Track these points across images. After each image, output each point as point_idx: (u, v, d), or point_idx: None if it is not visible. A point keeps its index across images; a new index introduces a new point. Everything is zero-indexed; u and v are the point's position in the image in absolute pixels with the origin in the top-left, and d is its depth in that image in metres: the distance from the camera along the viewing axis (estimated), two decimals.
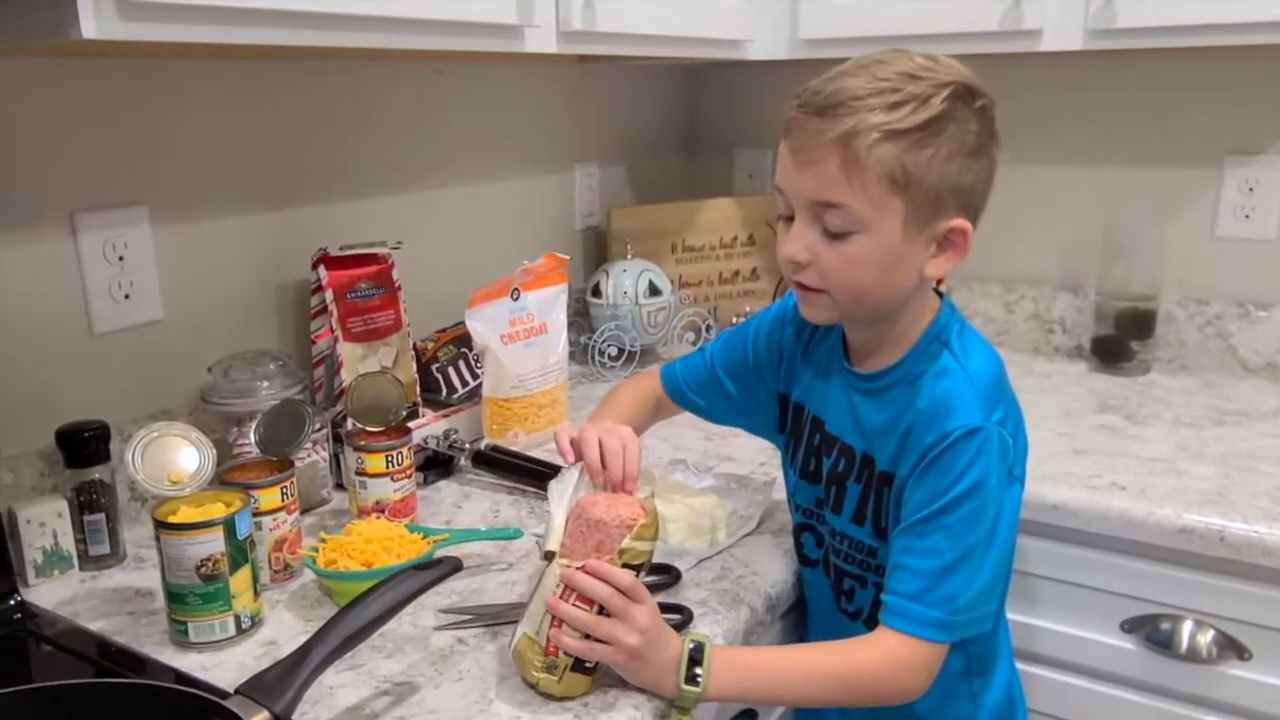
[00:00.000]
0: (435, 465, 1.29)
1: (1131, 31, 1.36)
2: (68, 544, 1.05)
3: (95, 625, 0.96)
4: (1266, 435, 1.37)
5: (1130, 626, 1.19)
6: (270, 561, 1.01)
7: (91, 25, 0.77)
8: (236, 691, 0.74)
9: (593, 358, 1.67)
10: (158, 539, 0.90)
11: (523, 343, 1.37)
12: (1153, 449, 1.33)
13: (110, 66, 1.13)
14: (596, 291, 1.74)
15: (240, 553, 0.91)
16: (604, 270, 1.75)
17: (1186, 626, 1.15)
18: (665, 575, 1.01)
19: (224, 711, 0.72)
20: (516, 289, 1.37)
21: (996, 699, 1.01)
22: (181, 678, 0.86)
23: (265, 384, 1.16)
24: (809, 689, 0.88)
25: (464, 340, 1.42)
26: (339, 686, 0.85)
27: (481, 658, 0.90)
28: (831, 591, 1.02)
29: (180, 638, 0.91)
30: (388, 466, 1.11)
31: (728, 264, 1.94)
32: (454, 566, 0.87)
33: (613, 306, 1.71)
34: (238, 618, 0.92)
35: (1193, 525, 1.13)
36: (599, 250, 1.93)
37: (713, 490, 1.18)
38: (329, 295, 1.27)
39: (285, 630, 0.94)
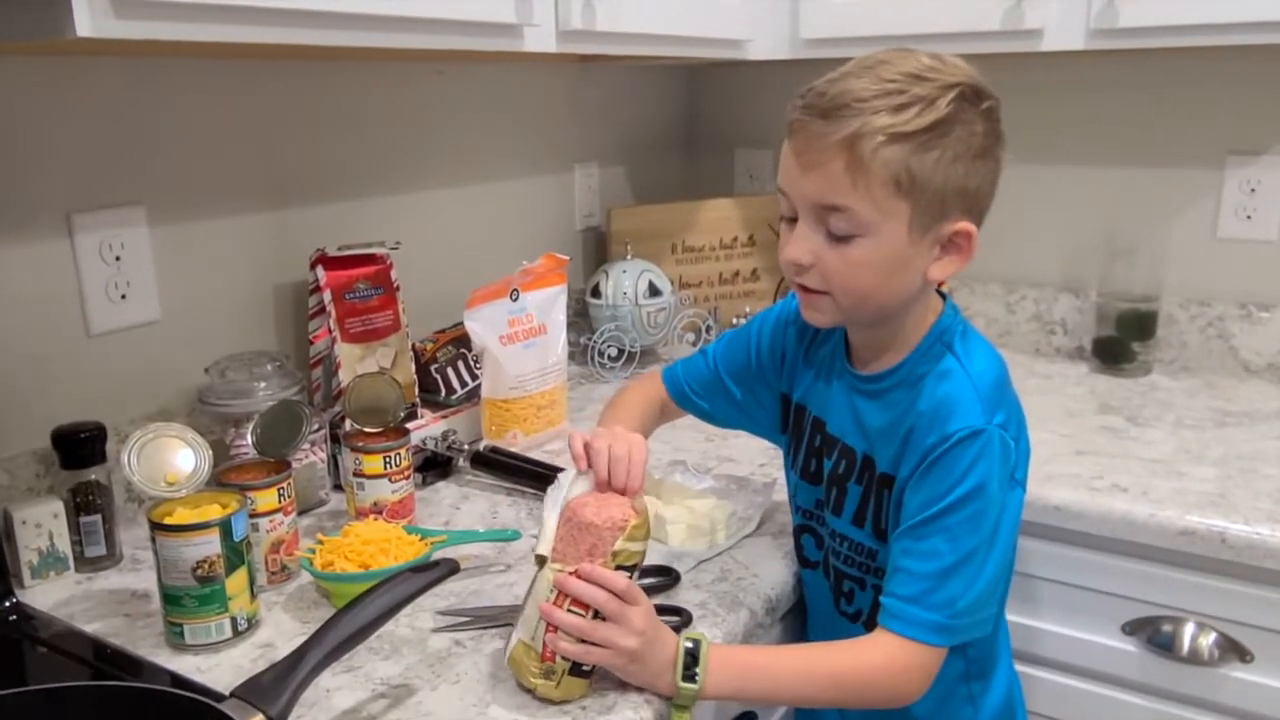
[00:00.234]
0: (433, 466, 1.29)
1: (1133, 31, 1.36)
2: (63, 545, 1.05)
3: (91, 627, 0.96)
4: (1268, 437, 1.37)
5: (1131, 628, 1.18)
6: (267, 563, 1.01)
7: (86, 23, 0.76)
8: (232, 694, 0.73)
9: (592, 359, 1.66)
10: (153, 540, 0.89)
11: (522, 343, 1.37)
12: (1154, 450, 1.32)
13: (107, 65, 1.12)
14: (596, 292, 1.74)
15: (237, 554, 0.91)
16: (604, 271, 1.75)
17: (1188, 628, 1.15)
18: (664, 577, 1.01)
19: (219, 715, 0.71)
20: (516, 289, 1.37)
21: (996, 703, 1.00)
22: (177, 680, 0.85)
23: (263, 385, 1.16)
24: (806, 689, 0.88)
25: (463, 341, 1.42)
26: (336, 689, 0.85)
27: (479, 660, 0.89)
28: (831, 593, 1.01)
29: (176, 640, 0.91)
30: (386, 468, 1.10)
31: (728, 265, 1.93)
32: (451, 568, 0.87)
33: (612, 307, 1.70)
34: (234, 620, 0.91)
35: (1194, 527, 1.12)
36: (599, 251, 1.92)
37: (712, 492, 1.18)
38: (327, 296, 1.27)
39: (282, 632, 0.94)
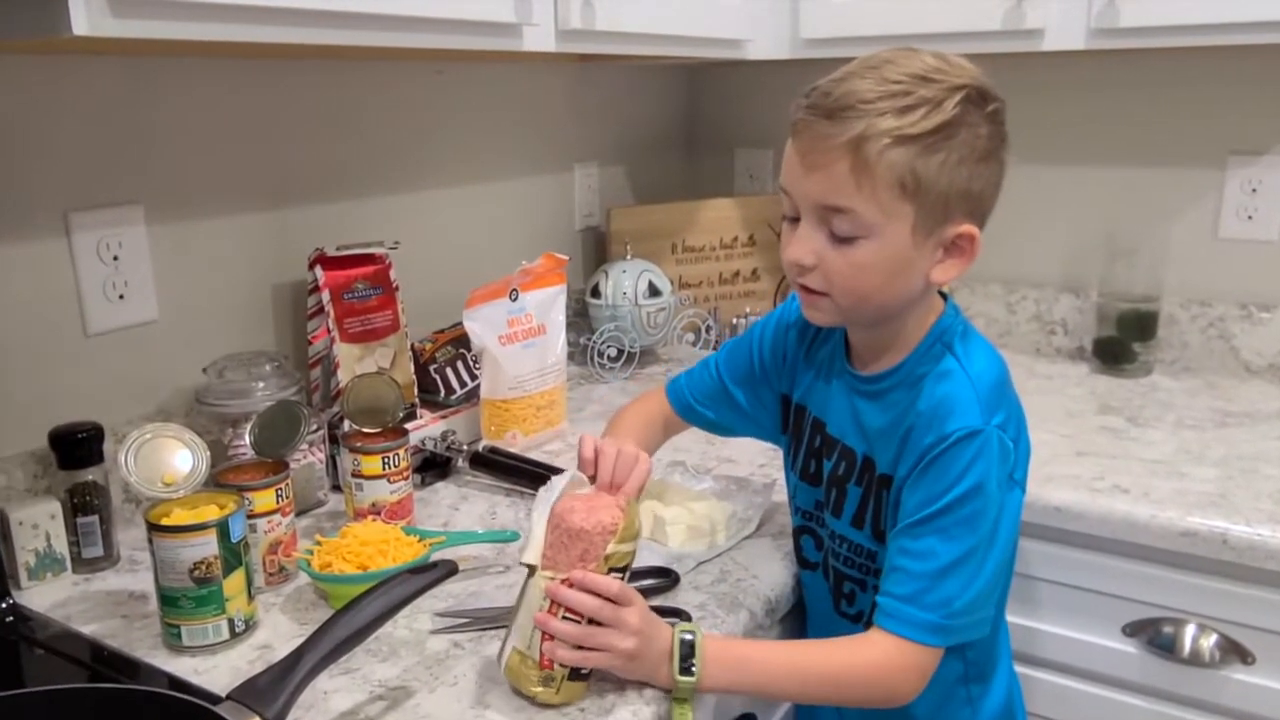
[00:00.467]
0: (432, 467, 1.29)
1: (1134, 31, 1.35)
2: (61, 546, 1.05)
3: (88, 629, 0.95)
4: (1269, 437, 1.36)
5: (1132, 630, 1.18)
6: (265, 564, 1.00)
7: (83, 22, 0.76)
8: (228, 697, 0.73)
9: (592, 359, 1.66)
10: (151, 541, 0.89)
11: (521, 344, 1.37)
12: (1155, 451, 1.32)
13: (104, 64, 1.12)
14: (596, 292, 1.73)
15: (234, 555, 0.90)
16: (603, 271, 1.74)
17: (1189, 630, 1.15)
18: (664, 578, 1.01)
19: (215, 717, 0.71)
20: (515, 289, 1.36)
21: (995, 705, 1.00)
22: (174, 682, 0.85)
23: (261, 385, 1.16)
24: (800, 686, 0.88)
25: (462, 341, 1.42)
26: (333, 691, 0.85)
27: (477, 662, 0.89)
28: (831, 595, 1.01)
29: (173, 641, 0.91)
30: (384, 468, 1.10)
31: (728, 264, 1.93)
32: (450, 570, 0.86)
33: (612, 307, 1.70)
34: (231, 621, 0.91)
35: (1195, 528, 1.12)
36: (598, 251, 1.92)
37: (712, 492, 1.17)
38: (326, 296, 1.27)
39: (279, 634, 0.94)
